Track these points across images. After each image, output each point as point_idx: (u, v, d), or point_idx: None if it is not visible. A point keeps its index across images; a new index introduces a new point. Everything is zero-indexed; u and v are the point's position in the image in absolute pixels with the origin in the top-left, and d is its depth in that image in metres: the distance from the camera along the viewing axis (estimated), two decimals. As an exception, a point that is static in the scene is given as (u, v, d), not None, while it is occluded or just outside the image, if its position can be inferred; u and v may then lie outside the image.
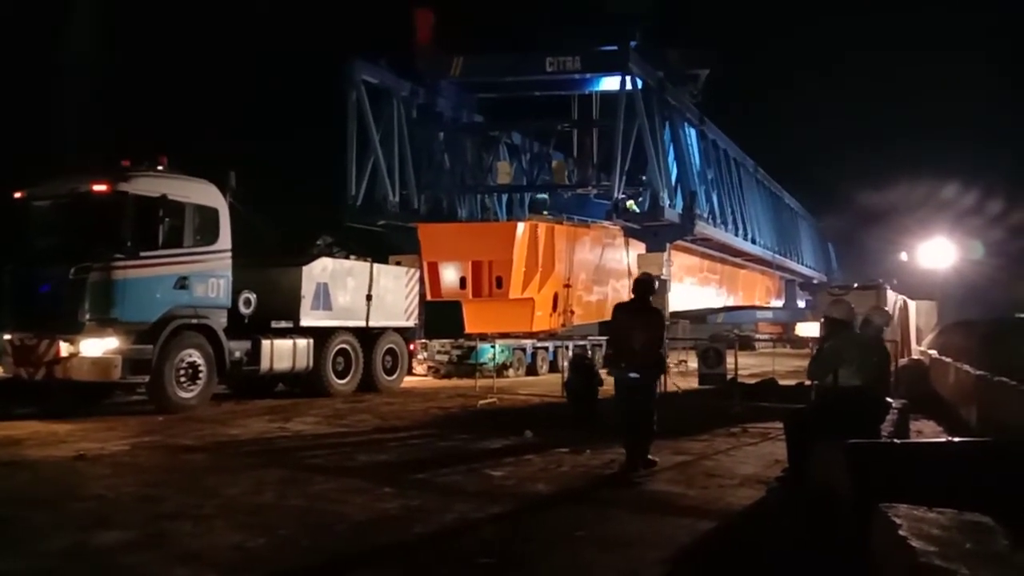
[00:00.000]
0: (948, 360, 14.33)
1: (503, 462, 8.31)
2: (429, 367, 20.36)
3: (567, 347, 21.99)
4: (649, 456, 8.07)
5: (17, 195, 12.30)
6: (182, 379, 12.01)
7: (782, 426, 7.65)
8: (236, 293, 13.02)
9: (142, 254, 11.60)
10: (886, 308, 9.62)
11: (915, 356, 19.82)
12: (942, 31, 69.18)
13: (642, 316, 8.31)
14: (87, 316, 11.28)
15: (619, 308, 8.62)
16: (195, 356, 12.18)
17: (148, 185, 11.85)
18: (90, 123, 23.35)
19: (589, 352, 21.36)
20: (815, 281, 42.74)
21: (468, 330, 20.13)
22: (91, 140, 19.49)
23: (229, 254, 12.89)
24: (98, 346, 11.23)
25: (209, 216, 12.67)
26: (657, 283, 8.68)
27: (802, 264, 41.42)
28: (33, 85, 25.55)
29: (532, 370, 21.39)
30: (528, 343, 21.45)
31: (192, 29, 31.15)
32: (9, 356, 11.88)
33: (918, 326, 24.85)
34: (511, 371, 20.53)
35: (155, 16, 30.89)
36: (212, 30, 31.21)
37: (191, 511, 6.09)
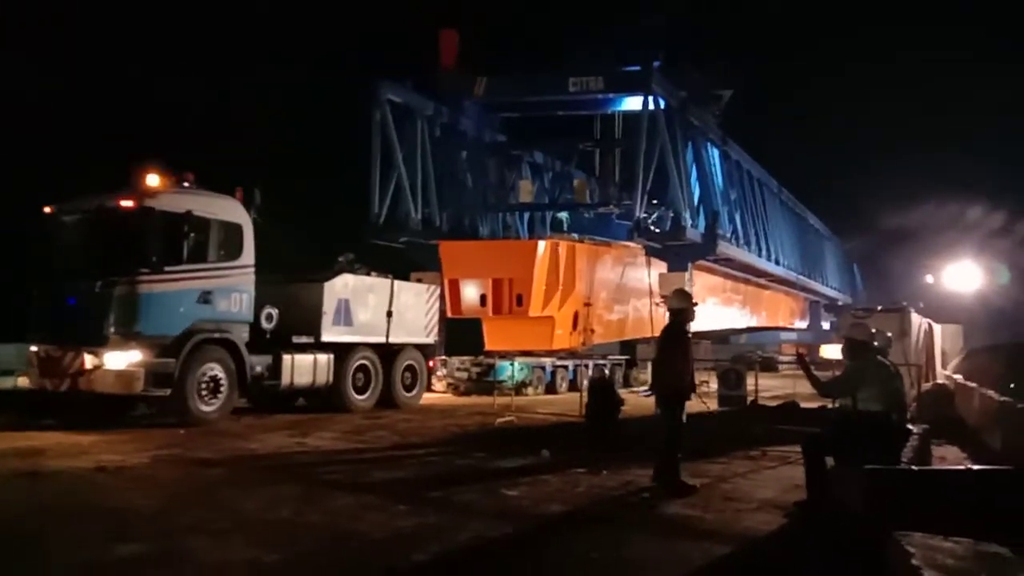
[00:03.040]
0: (972, 385, 14.11)
1: (519, 481, 8.28)
2: (448, 384, 20.38)
3: (587, 366, 21.93)
4: (683, 480, 7.87)
5: (46, 210, 12.54)
6: (203, 393, 12.12)
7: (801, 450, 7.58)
8: (258, 308, 13.15)
9: (166, 269, 11.76)
10: (888, 333, 9.46)
11: (940, 380, 19.53)
12: (973, 47, 68.71)
13: (661, 337, 8.36)
14: (112, 329, 11.45)
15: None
16: (217, 370, 12.30)
17: (174, 201, 12.04)
18: (116, 139, 23.83)
19: (608, 372, 21.31)
20: (840, 303, 42.36)
21: (488, 347, 20.14)
22: (116, 156, 19.86)
23: (252, 269, 13.04)
24: (122, 359, 11.38)
25: (233, 232, 12.83)
26: (680, 302, 8.53)
27: (826, 285, 41.07)
28: (60, 100, 26.16)
29: (551, 388, 21.32)
30: (548, 361, 21.39)
31: (218, 48, 31.74)
32: (35, 368, 12.08)
33: (943, 350, 24.47)
34: (530, 389, 20.48)
35: (180, 33, 31.54)
36: (238, 49, 31.77)
37: (208, 525, 6.14)
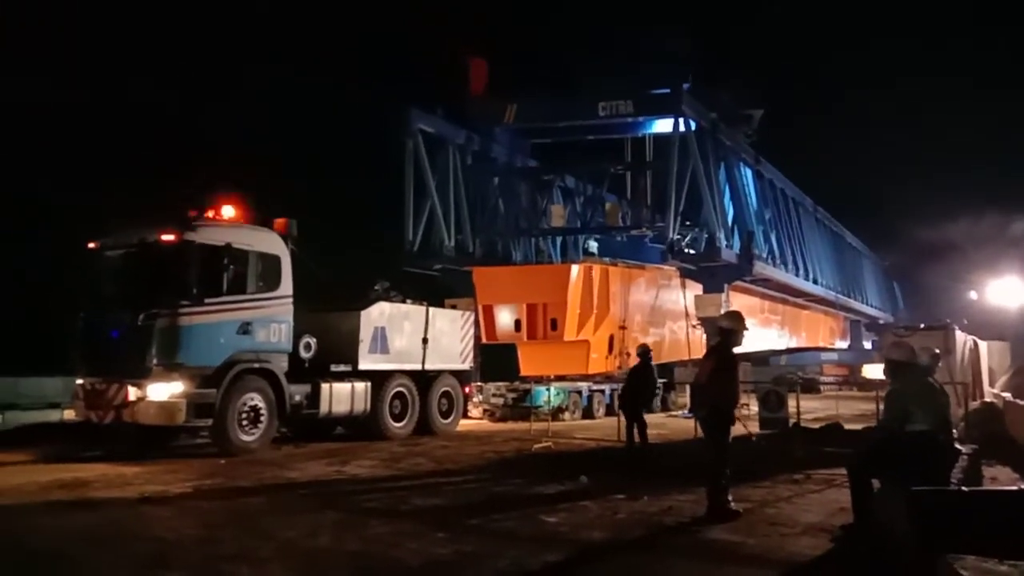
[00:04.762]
0: (1023, 403, 13.73)
1: (558, 508, 8.22)
2: (484, 410, 20.33)
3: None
4: (730, 506, 7.70)
5: (90, 245, 12.85)
6: (244, 422, 12.26)
7: (846, 472, 7.42)
8: (297, 337, 13.29)
9: (207, 300, 11.94)
10: (935, 350, 9.18)
11: (987, 399, 19.03)
12: (1014, 58, 67.44)
13: (707, 359, 8.27)
14: (154, 361, 11.63)
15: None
16: (257, 400, 12.43)
17: (213, 234, 12.27)
18: (154, 171, 24.41)
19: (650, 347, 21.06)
20: (881, 321, 41.58)
21: (523, 372, 20.11)
22: (155, 188, 20.31)
23: (290, 300, 13.20)
24: (164, 390, 11.55)
25: (271, 263, 13.02)
26: (732, 323, 8.43)
27: (867, 304, 40.36)
28: (103, 132, 26.87)
29: (588, 413, 21.13)
30: (584, 385, 21.26)
31: (253, 78, 32.42)
32: (80, 400, 12.31)
33: (990, 367, 23.85)
34: (567, 414, 20.34)
35: (214, 65, 32.27)
36: (273, 81, 32.43)
37: (249, 554, 6.18)
